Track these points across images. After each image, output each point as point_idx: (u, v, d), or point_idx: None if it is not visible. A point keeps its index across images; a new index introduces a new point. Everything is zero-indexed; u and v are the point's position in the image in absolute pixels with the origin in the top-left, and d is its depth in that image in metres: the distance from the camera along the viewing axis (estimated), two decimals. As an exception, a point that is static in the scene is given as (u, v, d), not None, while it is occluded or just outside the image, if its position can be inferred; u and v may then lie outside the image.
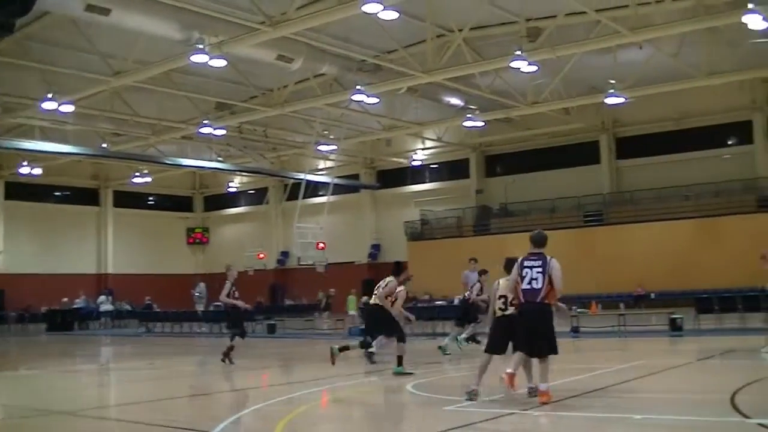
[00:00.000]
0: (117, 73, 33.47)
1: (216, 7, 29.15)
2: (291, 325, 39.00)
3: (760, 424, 9.83)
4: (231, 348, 20.85)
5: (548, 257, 12.53)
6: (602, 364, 15.60)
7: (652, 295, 42.30)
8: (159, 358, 26.92)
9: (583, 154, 50.33)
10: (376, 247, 58.97)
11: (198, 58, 28.83)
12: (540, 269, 12.36)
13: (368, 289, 50.77)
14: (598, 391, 13.18)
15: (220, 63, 30.54)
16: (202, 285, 44.16)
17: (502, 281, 13.14)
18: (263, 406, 13.49)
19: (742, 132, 45.45)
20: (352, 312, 35.70)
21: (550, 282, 12.32)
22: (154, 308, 48.37)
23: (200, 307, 42.61)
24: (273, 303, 58.28)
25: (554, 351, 12.51)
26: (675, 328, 25.76)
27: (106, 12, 26.25)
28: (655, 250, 42.19)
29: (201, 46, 28.24)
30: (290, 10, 27.13)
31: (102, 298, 50.01)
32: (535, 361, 12.69)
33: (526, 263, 12.54)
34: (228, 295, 21.02)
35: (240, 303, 21.32)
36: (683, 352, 21.89)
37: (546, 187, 50.13)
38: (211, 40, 28.78)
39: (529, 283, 12.41)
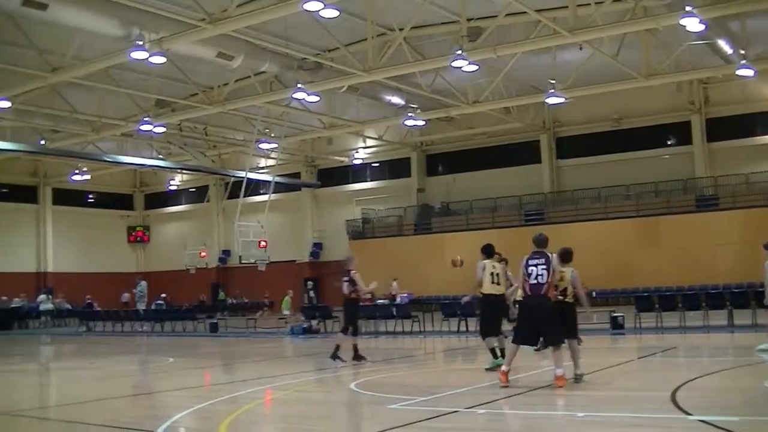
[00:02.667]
0: (55, 69, 33.04)
1: (156, 4, 28.84)
2: (233, 324, 38.86)
3: (702, 421, 9.95)
4: (338, 347, 19.70)
5: (550, 255, 13.94)
6: (544, 362, 15.70)
7: (593, 294, 42.57)
8: (100, 357, 26.71)
9: (523, 153, 50.62)
10: (317, 246, 58.89)
11: (137, 55, 28.56)
12: (545, 266, 13.71)
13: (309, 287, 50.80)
14: (539, 390, 13.26)
15: (160, 60, 30.24)
16: (143, 283, 43.85)
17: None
18: (206, 406, 13.42)
19: (681, 132, 46.00)
20: (287, 312, 35.61)
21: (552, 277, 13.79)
22: (95, 307, 47.89)
23: (141, 306, 42.30)
24: (215, 301, 58.07)
25: (561, 340, 13.82)
26: (616, 326, 26.02)
27: (43, 7, 25.91)
28: (595, 249, 42.42)
29: (141, 43, 27.99)
30: (231, 7, 26.98)
31: (42, 296, 49.41)
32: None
33: (530, 262, 13.83)
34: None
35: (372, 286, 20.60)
36: (625, 350, 22.11)
37: (487, 186, 50.31)
38: (151, 37, 28.51)
39: (536, 278, 13.71)
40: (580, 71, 36.14)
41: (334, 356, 19.51)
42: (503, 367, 13.94)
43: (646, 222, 43.39)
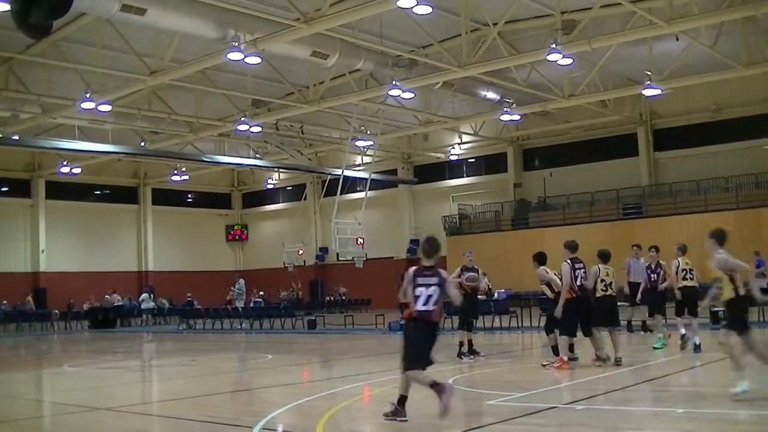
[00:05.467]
0: (153, 72, 33.56)
1: (250, 5, 29.25)
2: (331, 321, 39.08)
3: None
4: (462, 343, 19.35)
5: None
6: (644, 357, 15.52)
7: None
8: (200, 354, 27.11)
9: (620, 146, 49.96)
10: (414, 242, 58.83)
11: (233, 56, 28.94)
12: (585, 270, 16.25)
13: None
14: (639, 385, 13.14)
15: (256, 60, 30.57)
16: (241, 281, 44.35)
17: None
18: (305, 402, 13.53)
19: (782, 122, 44.94)
20: None
21: None
22: (195, 305, 48.62)
23: (240, 304, 42.81)
24: (313, 298, 58.49)
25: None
26: (717, 321, 25.53)
27: (141, 12, 26.34)
28: (695, 243, 41.69)
29: (236, 44, 28.35)
30: (324, 6, 27.16)
31: (144, 295, 50.33)
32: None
33: (577, 266, 16.14)
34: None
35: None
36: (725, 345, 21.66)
37: (584, 180, 49.88)
38: (247, 38, 28.85)
39: (581, 281, 16.09)
40: (677, 62, 35.61)
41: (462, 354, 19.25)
42: (566, 357, 16.02)
43: (747, 214, 42.44)
